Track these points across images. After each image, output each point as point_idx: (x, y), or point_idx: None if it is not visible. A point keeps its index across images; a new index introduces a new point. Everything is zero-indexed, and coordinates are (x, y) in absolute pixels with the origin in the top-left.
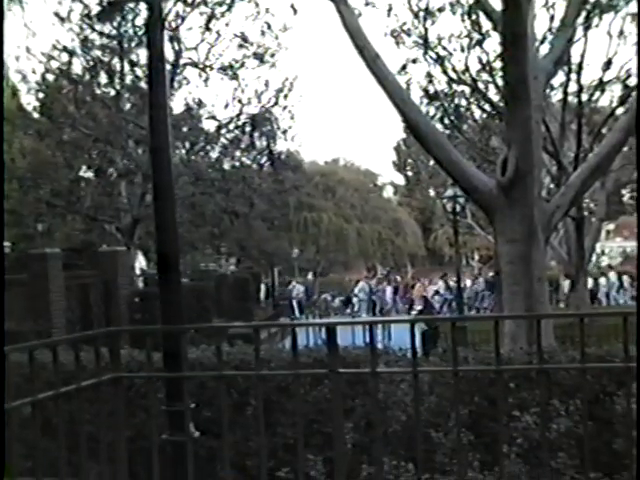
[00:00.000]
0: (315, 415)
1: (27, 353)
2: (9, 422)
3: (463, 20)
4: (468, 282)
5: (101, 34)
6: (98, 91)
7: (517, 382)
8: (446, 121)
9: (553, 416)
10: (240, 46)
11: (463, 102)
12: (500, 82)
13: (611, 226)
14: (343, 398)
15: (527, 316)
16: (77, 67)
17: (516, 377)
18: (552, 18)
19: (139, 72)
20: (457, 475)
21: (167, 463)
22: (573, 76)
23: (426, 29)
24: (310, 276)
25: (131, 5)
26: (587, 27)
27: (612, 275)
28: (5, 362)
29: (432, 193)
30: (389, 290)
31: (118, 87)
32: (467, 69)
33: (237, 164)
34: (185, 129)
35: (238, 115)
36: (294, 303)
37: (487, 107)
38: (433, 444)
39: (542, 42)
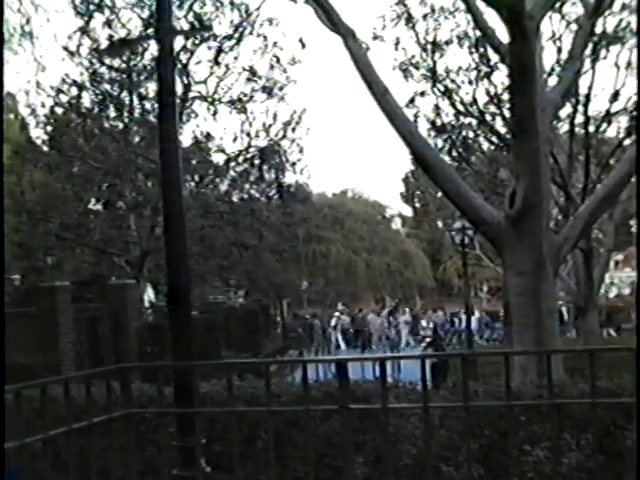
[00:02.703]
0: (325, 449)
1: (39, 388)
2: (21, 458)
3: (471, 53)
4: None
5: (110, 68)
6: (107, 124)
7: (528, 415)
8: (454, 153)
9: (564, 450)
10: (248, 80)
11: (471, 134)
12: (507, 114)
13: (620, 256)
14: (353, 432)
15: (537, 352)
16: (86, 101)
17: (527, 411)
18: (559, 50)
19: (147, 105)
20: None
21: None
22: (580, 107)
23: (434, 62)
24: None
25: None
26: (594, 59)
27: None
28: (4, 400)
29: (440, 225)
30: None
31: (127, 120)
32: (475, 101)
33: (246, 197)
34: (194, 162)
35: (247, 148)
36: (338, 335)
37: (495, 139)
38: (444, 478)
39: (550, 74)
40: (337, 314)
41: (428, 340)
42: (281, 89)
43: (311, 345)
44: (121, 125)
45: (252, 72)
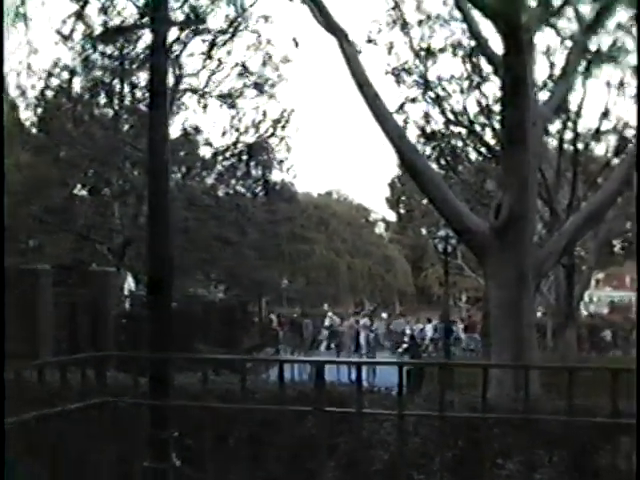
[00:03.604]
0: (298, 450)
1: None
2: None
3: (464, 62)
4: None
5: (103, 54)
6: (97, 111)
7: (502, 428)
8: (442, 161)
9: (537, 465)
10: (240, 75)
11: (460, 143)
12: (497, 126)
13: (601, 275)
14: (327, 435)
15: (515, 366)
16: (77, 86)
17: (501, 423)
18: (553, 65)
19: (139, 94)
20: None
21: None
22: (570, 124)
23: (427, 69)
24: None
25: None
26: (587, 76)
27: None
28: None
29: (424, 232)
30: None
31: (117, 108)
32: (465, 111)
33: (231, 192)
34: (182, 154)
35: (235, 143)
36: (361, 340)
37: (483, 150)
38: None
39: (542, 89)
40: (330, 314)
41: (405, 346)
42: (272, 86)
43: (300, 345)
44: (111, 112)
45: (244, 68)
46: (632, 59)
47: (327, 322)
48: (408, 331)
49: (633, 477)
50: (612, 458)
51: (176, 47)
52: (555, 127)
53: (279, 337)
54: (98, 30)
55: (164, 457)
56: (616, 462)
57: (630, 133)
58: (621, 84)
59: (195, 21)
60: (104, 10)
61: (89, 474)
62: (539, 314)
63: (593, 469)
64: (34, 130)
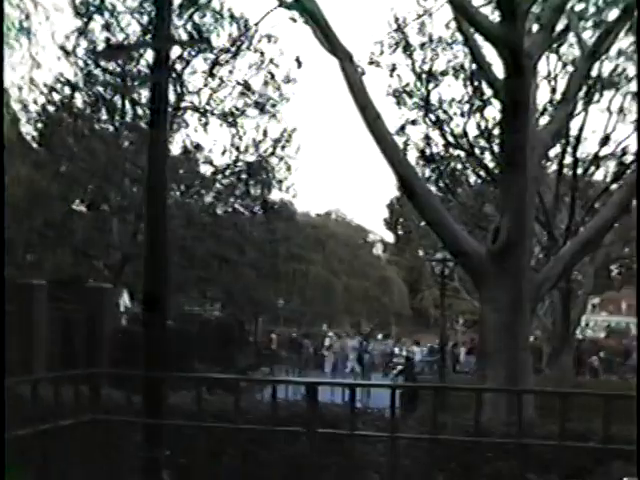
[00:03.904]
0: (290, 470)
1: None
2: None
3: (465, 85)
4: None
5: (105, 70)
6: (98, 126)
7: (494, 452)
8: (441, 184)
9: None
10: (242, 94)
11: (459, 166)
12: (497, 149)
13: (597, 300)
14: (319, 455)
15: (509, 390)
16: (79, 101)
17: (494, 447)
18: (554, 90)
19: (140, 111)
20: None
21: None
22: (570, 149)
23: (428, 91)
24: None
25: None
26: (587, 102)
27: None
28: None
29: (421, 254)
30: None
31: (117, 124)
32: (465, 134)
33: (230, 210)
34: (181, 172)
35: (235, 162)
36: (348, 362)
37: (482, 173)
38: None
39: (542, 113)
40: (331, 334)
41: (400, 368)
42: (274, 106)
43: (300, 364)
44: (112, 128)
45: (246, 87)
46: (633, 85)
47: (327, 342)
48: (397, 352)
49: None
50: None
51: (178, 65)
52: (554, 152)
53: (275, 356)
54: (101, 46)
55: (155, 476)
56: None
57: (629, 159)
58: (621, 110)
59: (198, 40)
60: (107, 26)
61: None
62: (535, 337)
63: None
64: (35, 144)
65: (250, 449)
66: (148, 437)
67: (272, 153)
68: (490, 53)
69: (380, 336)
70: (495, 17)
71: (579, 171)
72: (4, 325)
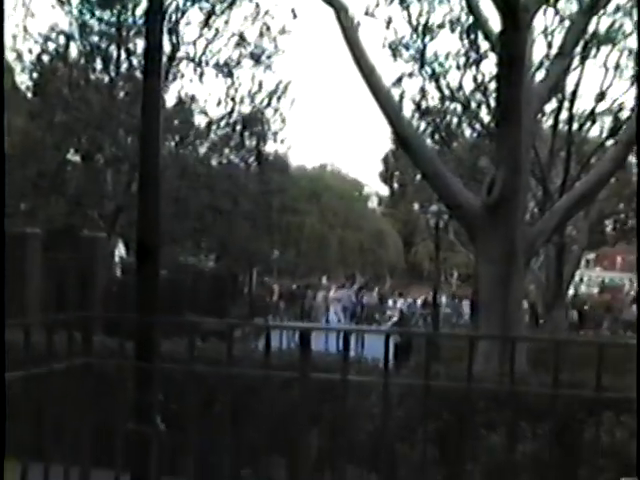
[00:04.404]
0: (282, 418)
1: None
2: None
3: (461, 39)
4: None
5: (100, 20)
6: (93, 76)
7: (487, 402)
8: (436, 137)
9: (520, 438)
10: (237, 45)
11: (455, 120)
12: (493, 103)
13: (591, 256)
14: (311, 403)
15: (502, 337)
16: (73, 51)
17: (486, 396)
18: (550, 45)
19: (135, 61)
20: None
21: (131, 452)
22: (566, 104)
23: (424, 44)
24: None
25: None
26: (584, 57)
27: None
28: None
29: (416, 207)
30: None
31: (113, 74)
32: (461, 87)
33: (225, 162)
34: (176, 122)
35: (230, 113)
36: (331, 314)
37: (478, 127)
38: (397, 456)
39: (538, 68)
40: (333, 287)
41: (394, 320)
42: (269, 58)
43: (302, 316)
44: (107, 78)
45: (241, 38)
46: (630, 41)
47: (331, 294)
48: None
49: (614, 449)
50: (595, 432)
51: (173, 15)
52: (550, 107)
53: (269, 308)
54: None
55: (148, 420)
56: (599, 436)
57: (625, 115)
58: (617, 66)
59: None
60: None
61: (73, 435)
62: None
63: (575, 444)
64: (29, 94)
65: (242, 397)
66: (140, 382)
67: (267, 105)
68: (487, 6)
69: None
70: None
71: (575, 127)
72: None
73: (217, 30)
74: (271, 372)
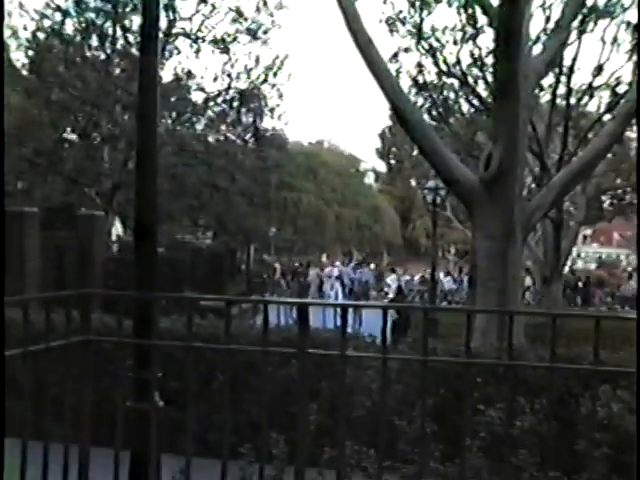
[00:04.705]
0: (281, 394)
1: None
2: None
3: (459, 13)
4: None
5: None
6: (89, 53)
7: (484, 377)
8: (433, 112)
9: (518, 413)
10: (234, 20)
11: (452, 95)
12: (490, 78)
13: (588, 231)
14: (310, 379)
15: (500, 311)
16: (69, 28)
17: (484, 372)
18: (548, 19)
19: (131, 38)
20: (418, 464)
21: (130, 429)
22: (563, 79)
23: (421, 19)
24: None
25: None
26: (582, 31)
27: None
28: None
29: (413, 183)
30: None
31: (109, 51)
32: (458, 62)
33: (222, 138)
34: (173, 99)
35: (227, 89)
36: (328, 291)
37: (475, 102)
38: (396, 432)
39: (535, 42)
40: (338, 264)
41: (390, 296)
42: (265, 33)
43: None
44: (103, 55)
45: (238, 13)
46: (627, 15)
47: (335, 272)
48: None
49: (610, 423)
50: (591, 406)
51: None
52: (548, 81)
53: (266, 285)
54: None
55: (147, 397)
56: (595, 410)
57: (622, 89)
58: (615, 40)
59: None
60: None
61: (71, 412)
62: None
63: (572, 418)
64: (25, 72)
65: (240, 373)
66: (139, 359)
67: (264, 80)
68: None
69: (352, 263)
70: None
71: (572, 101)
72: (4, 256)
73: (213, 6)
74: (269, 348)
